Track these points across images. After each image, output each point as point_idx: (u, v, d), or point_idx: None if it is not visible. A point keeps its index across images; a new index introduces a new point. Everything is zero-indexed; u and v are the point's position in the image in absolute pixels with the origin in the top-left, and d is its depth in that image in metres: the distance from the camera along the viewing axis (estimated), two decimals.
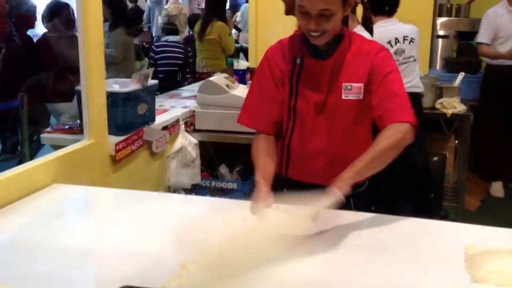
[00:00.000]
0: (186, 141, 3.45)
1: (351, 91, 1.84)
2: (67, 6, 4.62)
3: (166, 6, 9.40)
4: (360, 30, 3.25)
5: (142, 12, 9.53)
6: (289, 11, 2.74)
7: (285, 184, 1.94)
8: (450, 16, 5.82)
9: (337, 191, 1.57)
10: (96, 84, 2.50)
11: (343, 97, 1.84)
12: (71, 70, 3.53)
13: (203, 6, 12.33)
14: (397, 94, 1.79)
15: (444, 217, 4.05)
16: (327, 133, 1.88)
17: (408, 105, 1.77)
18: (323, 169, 1.88)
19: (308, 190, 1.53)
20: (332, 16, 1.70)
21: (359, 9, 3.37)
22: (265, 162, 1.80)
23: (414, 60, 3.62)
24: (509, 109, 4.46)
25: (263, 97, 1.93)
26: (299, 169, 1.94)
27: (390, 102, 1.77)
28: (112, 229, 1.72)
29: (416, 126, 1.74)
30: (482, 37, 4.64)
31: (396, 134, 1.70)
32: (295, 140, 1.92)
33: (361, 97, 1.83)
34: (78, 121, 2.83)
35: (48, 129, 2.98)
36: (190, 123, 3.57)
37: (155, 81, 3.19)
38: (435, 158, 4.07)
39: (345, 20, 1.95)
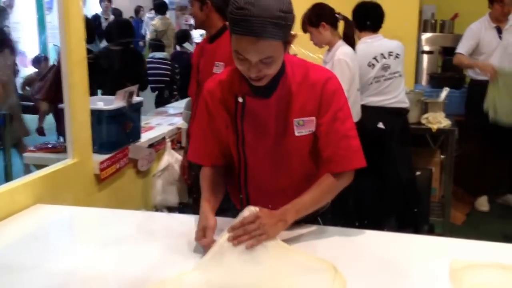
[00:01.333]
0: (173, 159, 3.44)
1: (304, 126, 1.69)
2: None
3: (153, 22, 9.37)
4: (341, 44, 3.30)
5: (127, 26, 9.51)
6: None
7: None
8: (435, 32, 5.88)
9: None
10: (80, 101, 2.48)
11: (296, 133, 1.69)
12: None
13: (191, 22, 12.42)
14: (347, 136, 1.69)
15: (430, 231, 4.06)
16: (285, 174, 1.76)
17: (356, 147, 1.70)
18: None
19: None
20: (273, 62, 1.53)
21: (341, 25, 3.43)
22: (210, 193, 1.74)
23: (400, 76, 3.65)
24: (492, 124, 4.48)
25: (205, 136, 1.80)
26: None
27: (339, 147, 1.68)
28: (96, 250, 1.69)
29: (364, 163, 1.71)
30: (460, 48, 4.66)
31: (340, 180, 1.69)
32: (251, 183, 1.81)
33: (314, 129, 1.70)
34: (62, 139, 2.81)
35: (31, 148, 2.95)
36: (176, 140, 3.56)
37: (141, 98, 3.19)
38: (421, 173, 4.08)
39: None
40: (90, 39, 5.32)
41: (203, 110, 1.78)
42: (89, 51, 4.65)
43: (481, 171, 4.65)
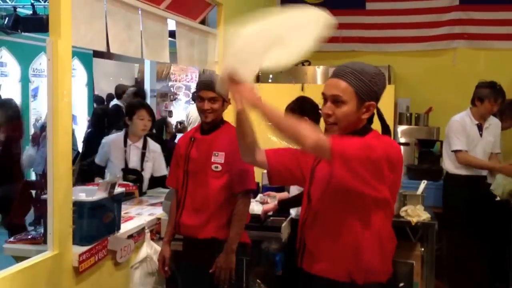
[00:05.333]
0: (151, 250, 3.37)
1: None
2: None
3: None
4: None
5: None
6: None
7: None
8: (410, 124, 6.05)
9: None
10: (64, 193, 2.47)
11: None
12: None
13: (170, 108, 12.60)
14: None
15: None
16: None
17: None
18: None
19: None
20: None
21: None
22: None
23: None
24: (470, 218, 4.53)
25: None
26: None
27: None
28: None
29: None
30: (457, 144, 4.61)
31: None
32: None
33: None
34: (42, 231, 2.75)
35: (11, 239, 2.87)
36: (155, 231, 3.51)
37: (122, 189, 3.16)
38: (402, 267, 4.05)
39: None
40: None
41: None
42: None
43: (463, 265, 4.63)
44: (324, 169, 2.05)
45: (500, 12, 6.35)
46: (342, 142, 1.88)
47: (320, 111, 3.40)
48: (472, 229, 4.47)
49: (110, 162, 4.29)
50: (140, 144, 4.30)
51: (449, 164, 4.80)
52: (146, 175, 4.31)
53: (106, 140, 4.53)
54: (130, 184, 4.06)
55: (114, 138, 4.45)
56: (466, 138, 4.63)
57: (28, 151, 6.54)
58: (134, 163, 4.26)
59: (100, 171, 4.31)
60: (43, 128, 6.51)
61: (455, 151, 4.64)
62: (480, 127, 4.67)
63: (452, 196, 4.62)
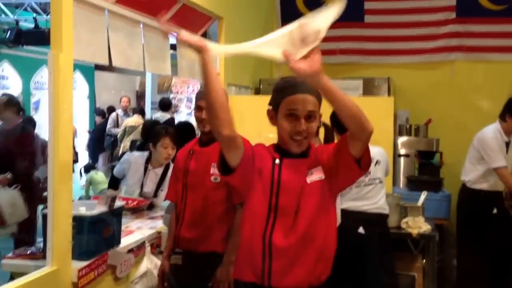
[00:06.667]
0: (152, 265, 3.37)
1: None
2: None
3: (129, 119, 9.42)
4: None
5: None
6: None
7: None
8: (410, 135, 6.05)
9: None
10: (64, 208, 2.47)
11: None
12: None
13: None
14: None
15: None
16: None
17: None
18: None
19: None
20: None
21: (321, 130, 3.51)
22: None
23: (380, 182, 3.71)
24: (482, 232, 4.48)
25: None
26: None
27: None
28: None
29: None
30: (498, 161, 4.46)
31: None
32: None
33: None
34: (41, 246, 2.75)
35: (9, 254, 2.87)
36: (156, 245, 3.50)
37: (122, 203, 3.17)
38: (403, 280, 4.05)
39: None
40: None
41: None
42: None
43: (468, 280, 4.58)
44: (295, 179, 2.02)
45: (497, 24, 6.35)
46: None
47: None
48: (481, 243, 4.43)
49: (125, 180, 4.29)
50: (160, 171, 4.24)
51: (473, 178, 4.66)
52: (159, 202, 4.25)
53: (128, 156, 4.51)
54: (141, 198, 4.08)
55: (136, 159, 4.37)
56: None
57: None
58: (149, 188, 4.22)
59: (115, 183, 4.32)
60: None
61: (497, 168, 4.47)
62: (507, 144, 4.56)
63: (466, 210, 4.55)
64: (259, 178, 2.03)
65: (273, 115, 2.09)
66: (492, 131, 4.60)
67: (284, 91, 2.02)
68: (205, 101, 2.03)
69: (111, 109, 10.99)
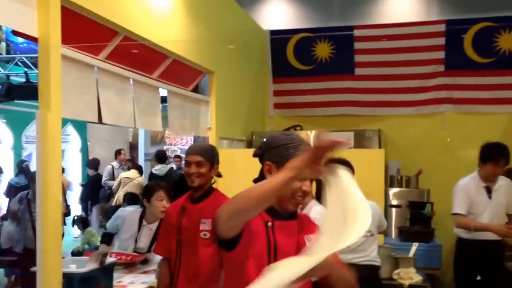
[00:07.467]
0: None
1: None
2: None
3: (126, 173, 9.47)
4: (314, 204, 3.35)
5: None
6: None
7: None
8: (401, 187, 6.10)
9: None
10: (53, 265, 2.46)
11: None
12: None
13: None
14: None
15: None
16: None
17: None
18: None
19: None
20: None
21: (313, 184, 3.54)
22: None
23: (372, 235, 3.71)
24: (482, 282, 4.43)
25: None
26: None
27: None
28: None
29: None
30: (457, 208, 4.40)
31: None
32: None
33: None
34: None
35: None
36: None
37: (114, 259, 3.16)
38: None
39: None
40: None
41: None
42: None
43: None
44: (288, 241, 2.00)
45: (485, 77, 6.50)
46: None
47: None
48: None
49: (119, 235, 4.24)
50: (154, 226, 4.17)
51: (458, 229, 4.55)
52: (153, 257, 4.16)
53: (121, 212, 4.47)
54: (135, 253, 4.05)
55: (130, 214, 4.32)
56: (470, 202, 4.44)
57: (7, 227, 6.02)
58: (143, 243, 4.17)
59: (108, 238, 4.27)
60: (21, 200, 5.94)
61: (454, 214, 4.46)
62: (488, 189, 4.46)
63: (461, 260, 4.51)
64: (253, 241, 1.94)
65: (272, 170, 1.98)
66: (467, 179, 4.57)
67: (296, 148, 1.95)
68: (246, 204, 1.79)
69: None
